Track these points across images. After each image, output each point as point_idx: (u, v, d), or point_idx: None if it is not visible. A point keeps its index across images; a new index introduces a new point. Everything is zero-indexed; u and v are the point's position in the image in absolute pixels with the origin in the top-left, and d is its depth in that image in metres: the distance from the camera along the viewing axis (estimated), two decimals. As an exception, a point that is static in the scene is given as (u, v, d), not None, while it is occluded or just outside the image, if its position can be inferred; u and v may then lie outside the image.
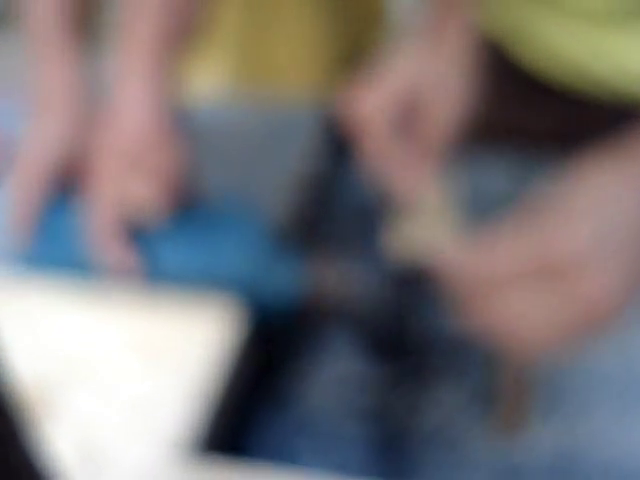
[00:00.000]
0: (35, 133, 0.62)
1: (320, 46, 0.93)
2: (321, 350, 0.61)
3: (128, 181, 0.54)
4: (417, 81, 0.52)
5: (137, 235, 0.54)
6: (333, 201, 0.68)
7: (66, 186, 0.60)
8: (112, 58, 0.64)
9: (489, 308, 0.44)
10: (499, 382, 0.56)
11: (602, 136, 0.70)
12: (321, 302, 0.52)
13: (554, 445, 0.54)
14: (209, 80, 0.94)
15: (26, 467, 0.23)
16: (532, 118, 0.71)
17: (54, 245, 0.57)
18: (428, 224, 0.48)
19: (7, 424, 0.21)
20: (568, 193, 0.44)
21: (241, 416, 0.55)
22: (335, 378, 0.58)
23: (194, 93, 0.82)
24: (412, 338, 0.53)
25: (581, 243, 0.42)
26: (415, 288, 0.50)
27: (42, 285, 0.54)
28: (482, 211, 0.56)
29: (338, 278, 0.51)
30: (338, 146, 0.69)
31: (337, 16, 0.94)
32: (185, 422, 0.45)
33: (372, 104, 0.51)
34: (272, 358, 0.59)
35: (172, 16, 0.57)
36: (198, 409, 0.46)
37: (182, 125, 0.58)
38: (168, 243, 0.54)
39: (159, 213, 0.54)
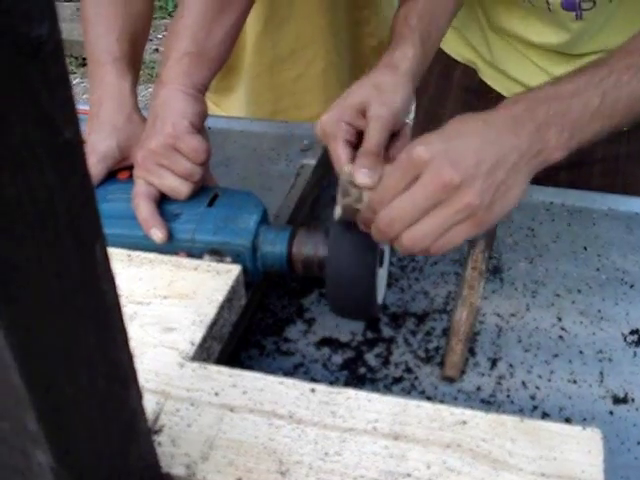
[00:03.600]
0: (88, 136, 0.77)
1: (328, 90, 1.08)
2: (301, 299, 0.74)
3: (155, 172, 0.68)
4: (367, 94, 0.65)
5: (164, 208, 0.68)
6: (316, 192, 0.83)
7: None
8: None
9: (399, 237, 0.57)
10: (448, 344, 0.68)
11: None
12: (300, 263, 0.66)
13: (497, 383, 0.65)
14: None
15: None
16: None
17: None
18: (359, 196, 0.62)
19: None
20: (454, 134, 0.57)
21: (237, 341, 0.68)
22: (312, 328, 0.71)
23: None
24: (373, 303, 0.65)
25: (464, 166, 0.54)
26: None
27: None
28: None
29: (312, 247, 0.65)
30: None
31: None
32: (191, 340, 0.58)
33: (332, 114, 0.65)
34: (262, 302, 0.73)
35: (201, 42, 0.72)
36: (202, 332, 0.59)
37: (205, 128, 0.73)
38: (187, 217, 0.68)
39: (181, 193, 0.68)
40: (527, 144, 0.57)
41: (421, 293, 0.75)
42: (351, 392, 0.53)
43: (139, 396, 0.42)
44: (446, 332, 0.70)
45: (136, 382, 0.41)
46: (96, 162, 0.74)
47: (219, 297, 0.62)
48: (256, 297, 0.73)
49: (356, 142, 0.65)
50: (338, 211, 0.60)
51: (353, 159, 0.63)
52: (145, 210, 0.66)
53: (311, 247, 0.65)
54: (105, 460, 0.39)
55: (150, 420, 0.52)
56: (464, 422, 0.51)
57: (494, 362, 0.67)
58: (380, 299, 0.67)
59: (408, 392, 0.65)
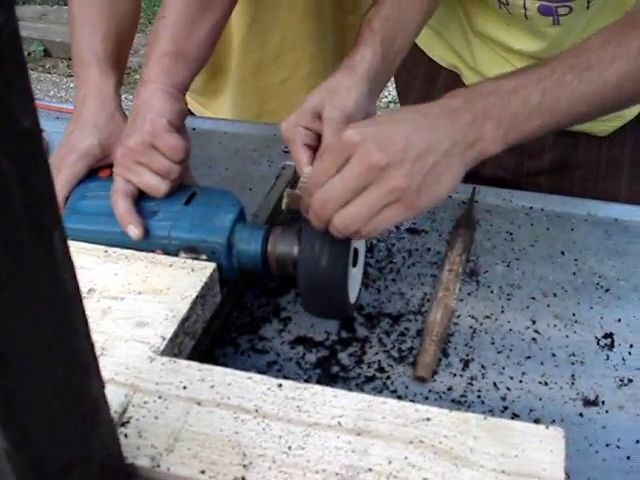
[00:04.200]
0: (70, 133, 0.78)
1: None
2: (278, 298, 0.75)
3: (133, 169, 0.69)
4: (321, 98, 0.66)
5: (142, 205, 0.69)
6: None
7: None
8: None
9: (331, 220, 0.58)
10: (421, 344, 0.68)
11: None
12: (274, 262, 0.66)
13: (468, 384, 0.66)
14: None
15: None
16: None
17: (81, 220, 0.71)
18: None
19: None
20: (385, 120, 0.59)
21: (212, 339, 0.68)
22: (285, 324, 0.72)
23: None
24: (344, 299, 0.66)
25: (393, 150, 0.55)
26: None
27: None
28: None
29: (287, 246, 0.66)
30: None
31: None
32: (163, 334, 0.59)
33: (290, 119, 0.67)
34: (239, 301, 0.74)
35: (181, 42, 0.73)
36: (174, 327, 0.59)
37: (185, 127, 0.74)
38: (164, 214, 0.68)
39: (158, 191, 0.69)
40: (462, 134, 0.58)
41: (397, 294, 0.75)
42: (318, 388, 0.54)
43: (101, 385, 0.42)
44: (420, 333, 0.71)
45: (97, 371, 0.42)
46: (77, 159, 0.75)
47: (192, 293, 0.62)
48: (233, 296, 0.73)
49: (316, 145, 0.66)
50: (285, 200, 0.62)
51: (313, 162, 0.65)
52: (122, 207, 0.67)
53: (285, 246, 0.65)
54: (64, 447, 0.39)
55: (118, 412, 0.52)
56: (428, 419, 0.51)
57: (466, 363, 0.68)
58: (353, 298, 0.67)
59: (380, 391, 0.65)
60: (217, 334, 0.70)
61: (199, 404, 0.53)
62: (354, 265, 0.66)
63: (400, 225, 0.85)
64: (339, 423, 0.51)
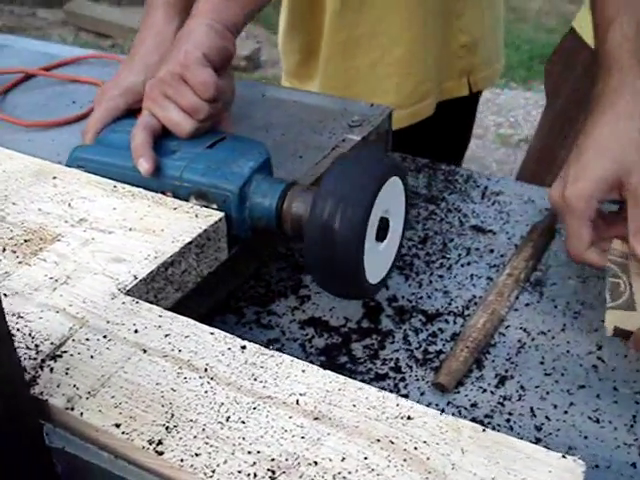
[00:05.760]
0: (120, 71, 0.74)
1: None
2: (302, 275, 0.67)
3: (160, 102, 0.63)
4: (619, 163, 0.55)
5: (164, 143, 0.62)
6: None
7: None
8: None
9: None
10: (453, 348, 0.57)
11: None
12: (289, 220, 0.57)
13: (499, 403, 0.53)
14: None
15: None
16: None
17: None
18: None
19: None
20: None
21: (212, 300, 0.60)
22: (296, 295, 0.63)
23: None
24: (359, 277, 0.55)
25: None
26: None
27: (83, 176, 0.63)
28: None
29: (303, 205, 0.56)
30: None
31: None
32: (136, 273, 0.51)
33: (584, 188, 0.56)
34: (259, 271, 0.65)
35: None
36: (151, 268, 0.51)
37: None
38: (182, 154, 0.61)
39: (183, 129, 0.62)
40: None
41: (440, 291, 0.64)
42: (286, 357, 0.44)
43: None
44: (455, 337, 0.59)
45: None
46: (117, 95, 0.70)
47: (186, 238, 0.54)
48: (251, 264, 0.65)
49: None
50: (609, 330, 0.54)
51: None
52: (138, 139, 0.60)
53: (302, 204, 0.56)
54: None
55: (54, 344, 0.45)
56: (408, 417, 0.40)
57: (502, 380, 0.55)
58: (375, 279, 0.57)
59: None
60: (224, 301, 0.62)
61: (144, 351, 0.44)
62: (380, 239, 0.56)
63: (464, 220, 0.73)
64: (297, 402, 0.41)
